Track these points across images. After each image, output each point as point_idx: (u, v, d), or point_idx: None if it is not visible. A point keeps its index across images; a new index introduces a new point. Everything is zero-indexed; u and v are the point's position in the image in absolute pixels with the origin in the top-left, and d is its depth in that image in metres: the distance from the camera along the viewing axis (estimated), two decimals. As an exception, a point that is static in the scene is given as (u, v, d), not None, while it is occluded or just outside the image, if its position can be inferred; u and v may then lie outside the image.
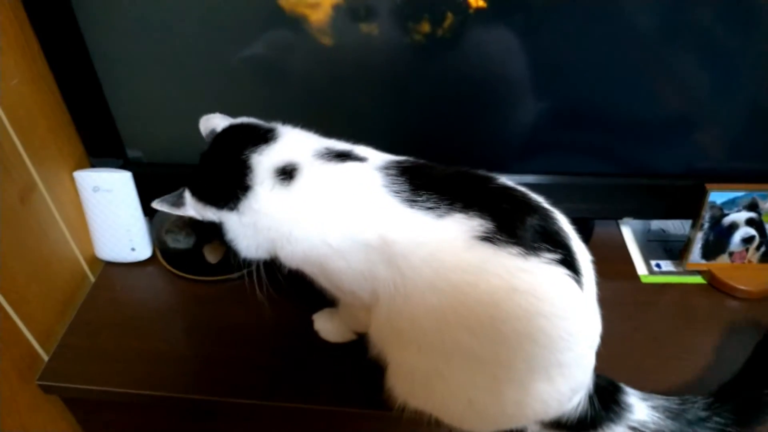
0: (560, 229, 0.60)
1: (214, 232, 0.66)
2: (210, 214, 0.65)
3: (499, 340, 0.56)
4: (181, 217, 0.88)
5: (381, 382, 0.67)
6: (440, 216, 0.57)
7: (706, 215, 0.85)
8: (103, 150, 0.87)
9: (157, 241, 0.94)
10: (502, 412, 0.62)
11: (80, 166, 0.87)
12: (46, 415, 0.82)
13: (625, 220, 1.00)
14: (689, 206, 0.86)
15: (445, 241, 0.57)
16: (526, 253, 0.55)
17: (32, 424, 0.79)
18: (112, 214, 0.88)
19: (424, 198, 0.58)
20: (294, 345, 0.80)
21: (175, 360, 0.79)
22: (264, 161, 0.62)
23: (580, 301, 0.58)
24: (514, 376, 0.59)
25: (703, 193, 0.83)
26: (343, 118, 0.83)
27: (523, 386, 0.59)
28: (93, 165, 0.88)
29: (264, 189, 0.61)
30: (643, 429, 0.66)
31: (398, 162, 0.63)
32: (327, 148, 0.64)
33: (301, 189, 0.61)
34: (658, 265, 0.92)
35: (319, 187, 0.61)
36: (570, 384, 0.61)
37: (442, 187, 0.59)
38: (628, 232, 0.99)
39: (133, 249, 0.92)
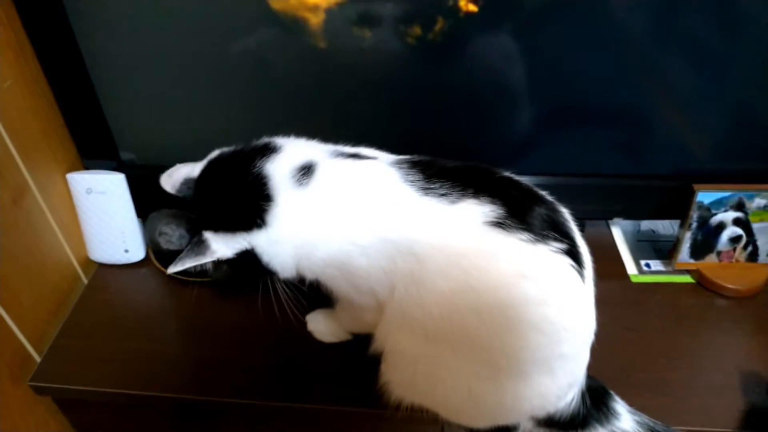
0: (566, 220, 0.61)
1: (249, 264, 0.62)
2: (241, 242, 0.61)
3: (505, 326, 0.57)
4: (174, 219, 0.89)
5: (375, 380, 0.68)
6: (453, 202, 0.58)
7: (694, 215, 0.86)
8: (96, 152, 0.87)
9: (150, 243, 0.94)
10: (501, 404, 0.63)
11: (73, 169, 0.87)
12: (38, 417, 0.81)
13: (615, 220, 1.01)
14: (678, 206, 0.87)
15: (458, 226, 0.58)
16: (535, 240, 0.56)
17: (24, 425, 0.79)
18: (106, 216, 0.88)
19: (437, 185, 0.59)
20: (287, 345, 0.80)
21: (168, 361, 0.79)
22: (279, 168, 0.61)
23: (581, 294, 0.59)
24: (516, 365, 0.59)
25: (691, 194, 0.84)
26: (332, 120, 0.84)
27: (524, 377, 0.60)
28: (86, 167, 0.88)
29: (286, 194, 0.61)
30: None
31: (407, 158, 0.64)
32: (337, 150, 0.65)
33: (322, 186, 0.61)
34: (647, 265, 0.93)
35: (340, 183, 0.62)
36: (568, 378, 0.62)
37: (453, 176, 0.60)
38: (618, 232, 1.00)
39: (126, 251, 0.92)
